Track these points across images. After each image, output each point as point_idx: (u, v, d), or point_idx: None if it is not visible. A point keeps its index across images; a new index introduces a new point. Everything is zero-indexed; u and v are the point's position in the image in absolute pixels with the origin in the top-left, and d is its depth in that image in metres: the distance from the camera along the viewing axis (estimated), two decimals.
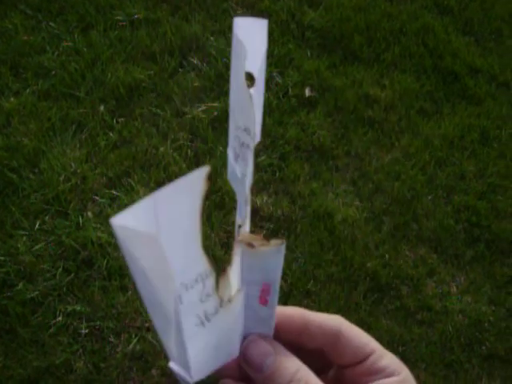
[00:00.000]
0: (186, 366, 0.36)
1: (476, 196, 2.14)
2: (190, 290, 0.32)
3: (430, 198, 2.07)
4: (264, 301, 0.38)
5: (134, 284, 0.31)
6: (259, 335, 0.41)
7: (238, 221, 0.38)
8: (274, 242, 0.35)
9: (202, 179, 0.29)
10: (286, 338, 0.42)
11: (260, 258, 0.36)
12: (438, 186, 2.12)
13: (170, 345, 0.35)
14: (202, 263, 0.32)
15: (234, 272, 0.37)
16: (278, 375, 0.39)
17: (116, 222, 0.27)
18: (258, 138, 0.40)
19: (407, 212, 2.02)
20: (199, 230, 0.30)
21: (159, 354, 1.69)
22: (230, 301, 0.36)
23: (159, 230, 0.28)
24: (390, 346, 1.79)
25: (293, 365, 0.39)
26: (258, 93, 0.39)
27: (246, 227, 0.39)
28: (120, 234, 0.27)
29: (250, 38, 0.36)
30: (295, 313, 0.42)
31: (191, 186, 0.29)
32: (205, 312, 0.34)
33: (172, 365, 0.37)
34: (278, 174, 2.08)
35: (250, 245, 0.35)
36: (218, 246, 1.87)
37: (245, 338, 0.40)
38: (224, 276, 0.35)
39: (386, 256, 1.95)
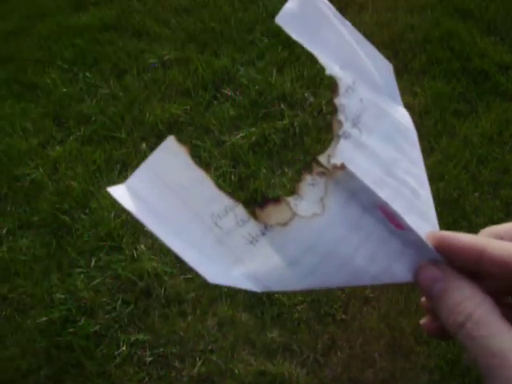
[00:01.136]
0: (249, 276, 0.40)
1: None
2: (224, 218, 0.40)
3: (476, 194, 2.06)
4: (398, 225, 0.39)
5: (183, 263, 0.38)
6: (430, 261, 0.39)
7: (328, 151, 0.42)
8: (341, 168, 0.40)
9: (175, 144, 0.38)
10: (467, 265, 0.37)
11: (344, 184, 0.40)
12: (483, 183, 2.11)
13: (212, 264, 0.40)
14: (222, 198, 0.40)
15: (306, 200, 0.41)
16: (444, 303, 0.36)
17: (126, 185, 0.38)
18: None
19: (455, 211, 2.01)
20: (206, 177, 0.39)
21: (225, 374, 1.69)
22: (284, 225, 0.40)
23: (166, 182, 0.39)
24: None
25: (460, 294, 0.36)
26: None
27: (336, 159, 0.41)
28: (134, 194, 0.38)
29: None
30: (469, 242, 0.37)
31: (169, 151, 0.38)
32: (249, 234, 0.40)
33: (222, 280, 0.40)
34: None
35: (330, 172, 0.40)
36: None
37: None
38: (275, 204, 0.40)
39: None
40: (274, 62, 2.61)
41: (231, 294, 1.84)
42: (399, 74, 2.53)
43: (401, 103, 0.46)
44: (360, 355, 1.69)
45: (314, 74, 2.54)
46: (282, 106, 2.42)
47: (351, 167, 0.39)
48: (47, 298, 1.90)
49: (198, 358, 1.73)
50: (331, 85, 0.43)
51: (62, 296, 1.89)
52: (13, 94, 2.79)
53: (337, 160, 0.41)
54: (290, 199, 0.40)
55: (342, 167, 0.39)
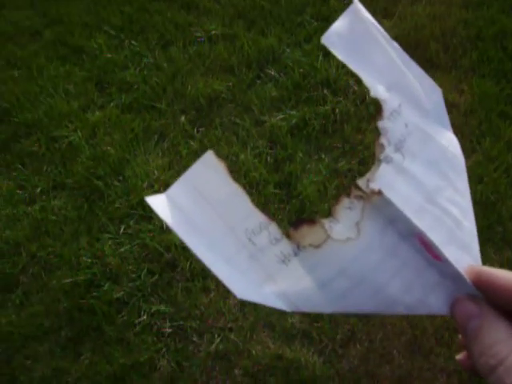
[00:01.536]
0: (279, 295, 0.41)
1: None
2: (258, 235, 0.40)
3: None
4: (436, 256, 0.39)
5: (216, 280, 0.39)
6: (468, 295, 0.38)
7: (368, 175, 0.42)
8: (378, 194, 0.40)
9: (214, 159, 0.39)
10: (504, 303, 0.36)
11: (381, 210, 0.40)
12: None
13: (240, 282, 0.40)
14: (257, 215, 0.40)
15: (342, 224, 0.41)
16: (478, 342, 0.35)
17: (166, 194, 0.39)
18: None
19: (491, 215, 1.97)
20: (243, 193, 0.40)
21: (242, 354, 1.70)
22: (317, 247, 0.40)
23: (203, 195, 0.40)
24: None
25: (495, 335, 0.34)
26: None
27: (376, 184, 0.41)
28: (171, 205, 0.39)
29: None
30: (509, 280, 0.36)
31: (207, 165, 0.39)
32: (281, 252, 0.41)
33: (253, 297, 0.40)
34: (357, 179, 2.08)
35: (368, 197, 0.40)
36: None
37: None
38: (310, 226, 0.40)
39: None
40: (321, 46, 2.56)
41: None
42: (447, 69, 2.48)
43: (450, 128, 0.46)
44: (379, 350, 1.68)
45: None
46: (325, 91, 2.39)
47: (390, 193, 0.40)
48: (74, 261, 1.92)
49: (216, 335, 1.73)
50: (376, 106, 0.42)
51: (89, 260, 1.91)
52: (58, 56, 2.81)
53: (376, 184, 0.41)
54: (325, 221, 0.41)
55: (379, 193, 0.39)
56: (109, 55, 2.69)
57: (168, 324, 1.77)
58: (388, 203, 0.39)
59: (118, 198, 2.08)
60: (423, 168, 0.43)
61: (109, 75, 2.60)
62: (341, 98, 2.37)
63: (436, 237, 0.38)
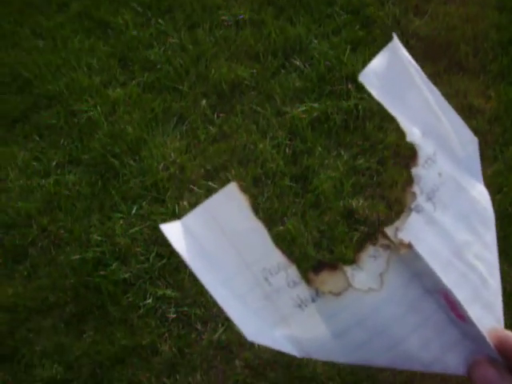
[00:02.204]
0: (289, 338, 0.39)
1: None
2: (275, 276, 0.39)
3: None
4: (459, 315, 0.38)
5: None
6: (488, 358, 0.37)
7: (397, 223, 0.41)
8: (407, 247, 0.39)
9: (237, 191, 0.38)
10: None
11: (408, 263, 0.39)
12: None
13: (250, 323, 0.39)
14: (277, 254, 0.39)
15: (365, 272, 0.40)
16: None
17: (182, 222, 0.38)
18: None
19: (508, 226, 1.94)
20: (264, 230, 0.39)
21: (244, 345, 1.69)
22: (337, 295, 0.39)
23: (222, 227, 0.38)
24: None
25: None
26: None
27: (404, 234, 0.40)
28: (187, 234, 0.37)
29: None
30: None
31: (229, 196, 0.38)
32: (298, 296, 0.40)
33: (263, 339, 0.39)
34: (375, 178, 2.05)
35: (396, 248, 0.39)
36: (310, 245, 1.85)
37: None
38: (331, 271, 0.39)
39: None
40: (349, 40, 2.53)
41: None
42: (475, 73, 2.43)
43: (481, 180, 0.45)
44: None
45: None
46: (350, 86, 2.35)
47: (419, 245, 0.38)
48: (84, 237, 1.92)
49: (220, 324, 1.73)
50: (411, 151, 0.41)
51: (99, 238, 1.91)
52: (83, 29, 2.79)
53: (405, 234, 0.40)
54: (348, 268, 0.40)
55: (409, 246, 0.38)
56: (134, 32, 2.66)
57: (172, 309, 1.76)
58: (417, 257, 0.38)
59: (133, 177, 2.07)
60: (453, 220, 0.42)
61: (133, 52, 2.58)
62: (365, 95, 2.33)
63: (461, 294, 0.37)
